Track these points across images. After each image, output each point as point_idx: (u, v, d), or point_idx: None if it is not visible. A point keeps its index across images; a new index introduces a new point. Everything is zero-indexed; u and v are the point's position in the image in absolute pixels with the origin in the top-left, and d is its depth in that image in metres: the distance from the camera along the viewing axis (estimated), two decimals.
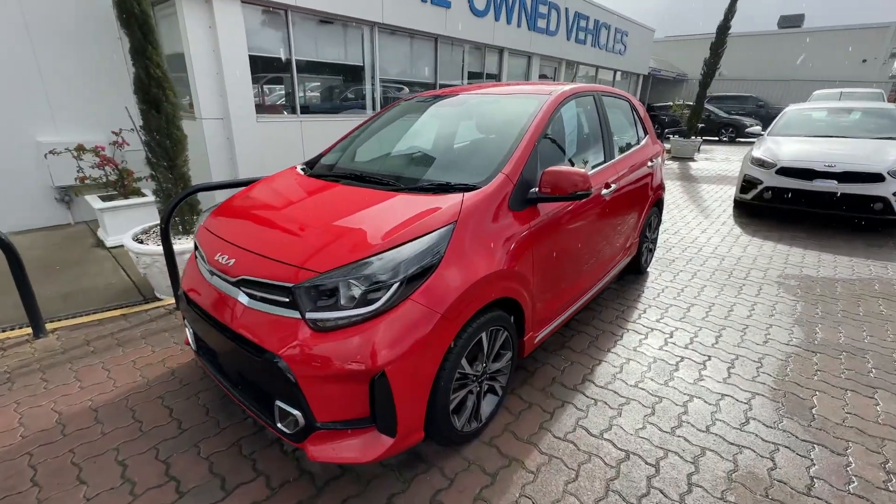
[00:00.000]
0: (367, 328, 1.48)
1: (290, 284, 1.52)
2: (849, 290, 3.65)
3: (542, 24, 8.80)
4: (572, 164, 2.50)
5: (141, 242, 3.36)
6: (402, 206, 1.81)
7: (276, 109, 5.41)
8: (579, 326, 2.99)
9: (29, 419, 2.06)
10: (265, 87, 5.32)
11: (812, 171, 5.32)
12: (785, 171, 5.53)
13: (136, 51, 3.14)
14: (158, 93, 3.25)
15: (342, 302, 1.50)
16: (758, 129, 7.10)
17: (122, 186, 4.67)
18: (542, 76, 9.83)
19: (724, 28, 10.95)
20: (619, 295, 3.51)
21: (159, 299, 3.38)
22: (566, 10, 9.37)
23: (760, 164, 5.85)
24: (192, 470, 1.78)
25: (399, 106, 2.96)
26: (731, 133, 17.33)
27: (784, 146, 5.98)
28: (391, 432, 1.54)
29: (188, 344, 2.17)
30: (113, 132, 4.72)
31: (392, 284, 1.51)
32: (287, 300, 1.54)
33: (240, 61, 4.72)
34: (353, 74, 6.10)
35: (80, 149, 4.48)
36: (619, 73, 12.70)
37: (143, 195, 4.77)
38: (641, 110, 3.60)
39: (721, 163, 11.48)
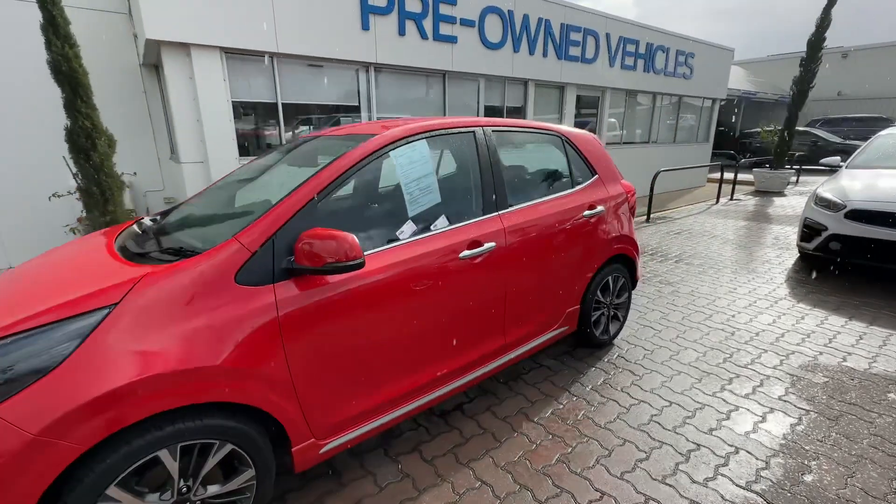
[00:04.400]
0: None
1: None
2: None
3: (574, 51, 8.15)
4: (408, 223, 1.98)
5: None
6: (87, 279, 1.48)
7: (260, 151, 5.53)
8: (459, 423, 2.34)
9: None
10: (252, 129, 5.48)
11: (894, 216, 3.96)
12: (856, 215, 4.21)
13: (66, 104, 3.32)
14: (87, 143, 3.39)
15: None
16: (836, 159, 5.61)
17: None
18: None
19: (816, 42, 9.26)
20: (547, 378, 2.75)
21: None
22: (607, 35, 8.60)
23: (826, 204, 4.55)
24: None
25: (272, 152, 2.69)
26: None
27: (860, 182, 4.61)
28: None
29: None
30: None
31: None
32: None
33: (219, 108, 4.91)
34: (348, 113, 6.08)
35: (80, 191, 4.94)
36: (684, 99, 11.28)
37: None
38: (586, 147, 2.90)
39: None
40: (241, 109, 5.21)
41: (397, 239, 1.91)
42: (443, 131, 2.19)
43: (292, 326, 1.57)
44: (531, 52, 7.52)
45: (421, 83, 6.64)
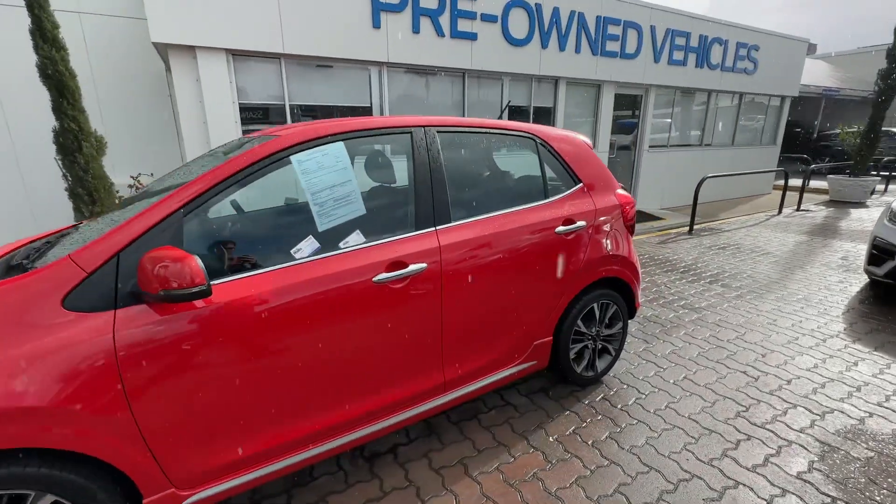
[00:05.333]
0: None
1: None
2: None
3: (612, 46, 7.49)
4: (315, 241, 1.69)
5: None
6: None
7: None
8: (385, 470, 2.01)
9: None
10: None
11: None
12: None
13: (54, 107, 3.38)
14: (73, 145, 3.44)
15: None
16: None
17: None
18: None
19: None
20: (508, 420, 2.35)
21: None
22: (652, 28, 7.82)
23: None
24: None
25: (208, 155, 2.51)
26: None
27: None
28: None
29: None
30: (131, 176, 5.35)
31: None
32: None
33: (225, 110, 4.91)
34: (359, 114, 5.92)
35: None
36: (746, 97, 10.09)
37: None
38: (568, 151, 2.46)
39: None
40: (250, 112, 5.20)
41: (293, 258, 1.64)
42: (367, 132, 1.88)
43: (135, 360, 1.34)
44: (562, 48, 7.00)
45: (438, 83, 6.36)
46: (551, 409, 2.45)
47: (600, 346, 2.66)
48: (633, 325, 3.49)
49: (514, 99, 7.05)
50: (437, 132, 2.04)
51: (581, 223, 2.35)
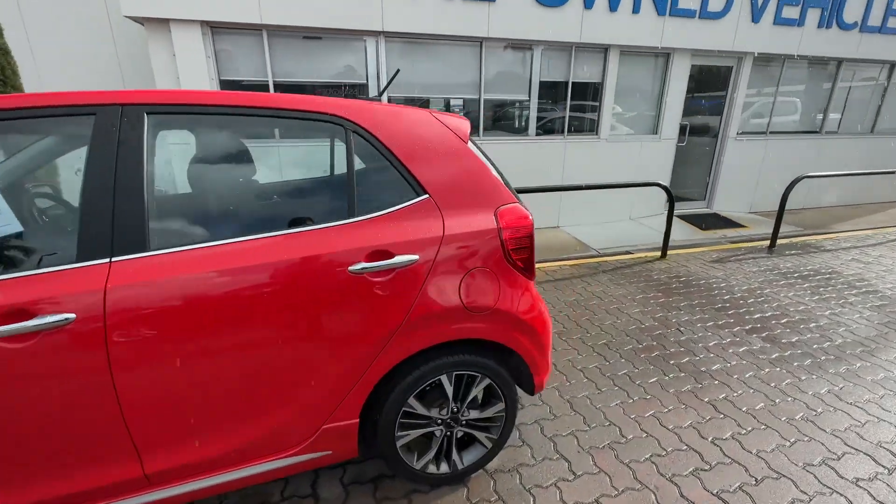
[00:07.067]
0: None
1: None
2: None
3: (688, 3, 5.82)
4: None
5: None
6: None
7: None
8: None
9: None
10: None
11: None
12: None
13: None
14: None
15: None
16: None
17: None
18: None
19: None
20: None
21: None
22: None
23: None
24: None
25: None
26: None
27: None
28: None
29: None
30: None
31: None
32: None
33: (201, 87, 4.68)
34: (354, 93, 5.34)
35: None
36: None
37: None
38: (406, 146, 1.60)
39: None
40: (231, 89, 4.93)
41: None
42: (9, 112, 1.29)
43: None
44: (613, 8, 5.62)
45: (448, 54, 5.49)
46: None
47: (461, 433, 1.82)
48: (585, 388, 2.50)
49: (548, 73, 5.89)
50: (149, 113, 1.38)
51: (408, 257, 1.52)
